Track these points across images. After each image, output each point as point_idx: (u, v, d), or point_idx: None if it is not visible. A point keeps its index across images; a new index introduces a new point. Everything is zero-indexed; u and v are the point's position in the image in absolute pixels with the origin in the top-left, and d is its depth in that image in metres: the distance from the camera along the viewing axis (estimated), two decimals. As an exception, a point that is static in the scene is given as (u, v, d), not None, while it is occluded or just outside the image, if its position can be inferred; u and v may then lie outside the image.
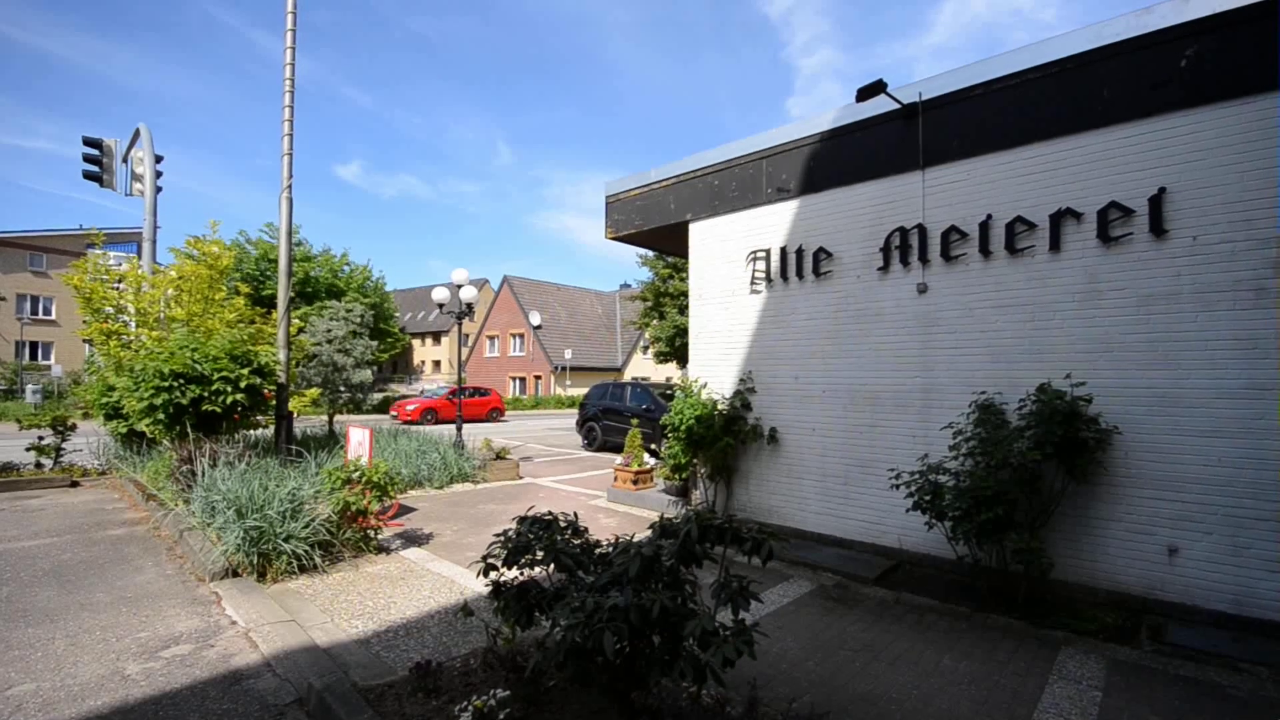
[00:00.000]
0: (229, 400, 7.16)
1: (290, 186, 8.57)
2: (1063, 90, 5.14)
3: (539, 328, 40.81)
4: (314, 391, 11.01)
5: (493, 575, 2.86)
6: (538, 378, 41.12)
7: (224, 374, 7.18)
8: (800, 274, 6.86)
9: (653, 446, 10.37)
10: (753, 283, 7.33)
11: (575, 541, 2.96)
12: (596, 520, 7.62)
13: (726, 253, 7.65)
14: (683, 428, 7.21)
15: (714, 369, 7.72)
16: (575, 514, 3.23)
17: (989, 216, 5.51)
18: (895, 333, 6.09)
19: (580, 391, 25.64)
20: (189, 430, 7.15)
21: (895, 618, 4.58)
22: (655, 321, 25.97)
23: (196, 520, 5.97)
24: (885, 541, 6.04)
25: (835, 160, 6.62)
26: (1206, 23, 4.47)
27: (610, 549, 2.83)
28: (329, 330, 11.42)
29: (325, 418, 11.93)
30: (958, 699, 3.37)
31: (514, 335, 42.80)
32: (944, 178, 5.82)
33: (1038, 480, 4.80)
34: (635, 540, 2.69)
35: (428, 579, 5.25)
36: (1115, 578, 4.79)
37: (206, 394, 7.14)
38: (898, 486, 5.24)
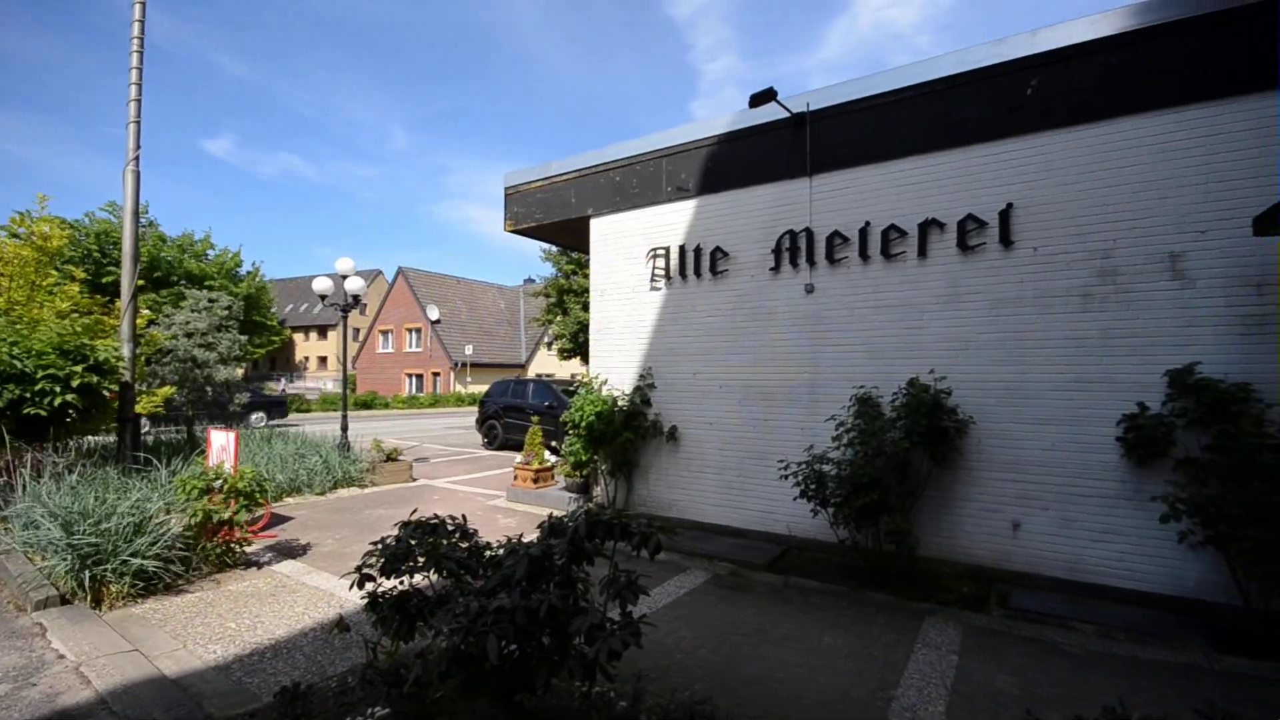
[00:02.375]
0: (57, 402, 6.20)
1: (138, 159, 7.56)
2: (931, 109, 5.61)
3: (437, 322, 39.07)
4: (167, 390, 9.80)
5: (369, 586, 2.66)
6: (436, 374, 39.38)
7: (51, 371, 6.20)
8: (699, 272, 7.02)
9: (554, 444, 10.23)
10: (653, 280, 7.40)
11: (463, 545, 2.83)
12: (494, 521, 7.38)
13: (627, 249, 7.67)
14: (583, 424, 7.15)
15: (615, 365, 7.72)
16: (464, 516, 3.09)
17: (867, 223, 5.91)
18: (786, 330, 6.39)
19: (482, 389, 24.91)
20: (6, 437, 6.12)
21: (784, 600, 4.80)
22: (559, 317, 25.67)
23: (15, 540, 5.12)
24: (776, 529, 6.33)
25: (731, 163, 6.83)
26: (1051, 55, 5.05)
27: (502, 551, 2.72)
28: (188, 323, 10.21)
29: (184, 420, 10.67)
30: (837, 673, 3.58)
31: (410, 330, 40.69)
32: (829, 185, 6.16)
33: (907, 466, 5.21)
34: (525, 540, 2.61)
35: (302, 594, 4.83)
36: (970, 551, 5.31)
37: (29, 394, 6.13)
38: (786, 476, 5.50)
